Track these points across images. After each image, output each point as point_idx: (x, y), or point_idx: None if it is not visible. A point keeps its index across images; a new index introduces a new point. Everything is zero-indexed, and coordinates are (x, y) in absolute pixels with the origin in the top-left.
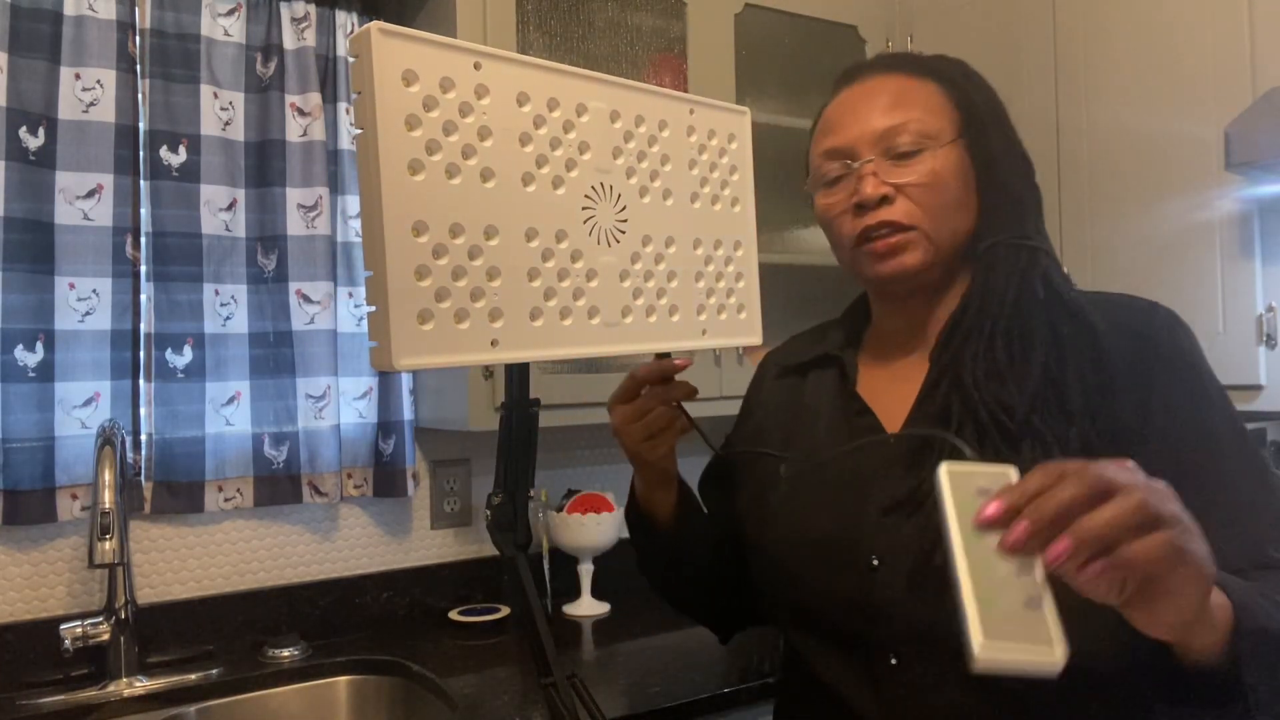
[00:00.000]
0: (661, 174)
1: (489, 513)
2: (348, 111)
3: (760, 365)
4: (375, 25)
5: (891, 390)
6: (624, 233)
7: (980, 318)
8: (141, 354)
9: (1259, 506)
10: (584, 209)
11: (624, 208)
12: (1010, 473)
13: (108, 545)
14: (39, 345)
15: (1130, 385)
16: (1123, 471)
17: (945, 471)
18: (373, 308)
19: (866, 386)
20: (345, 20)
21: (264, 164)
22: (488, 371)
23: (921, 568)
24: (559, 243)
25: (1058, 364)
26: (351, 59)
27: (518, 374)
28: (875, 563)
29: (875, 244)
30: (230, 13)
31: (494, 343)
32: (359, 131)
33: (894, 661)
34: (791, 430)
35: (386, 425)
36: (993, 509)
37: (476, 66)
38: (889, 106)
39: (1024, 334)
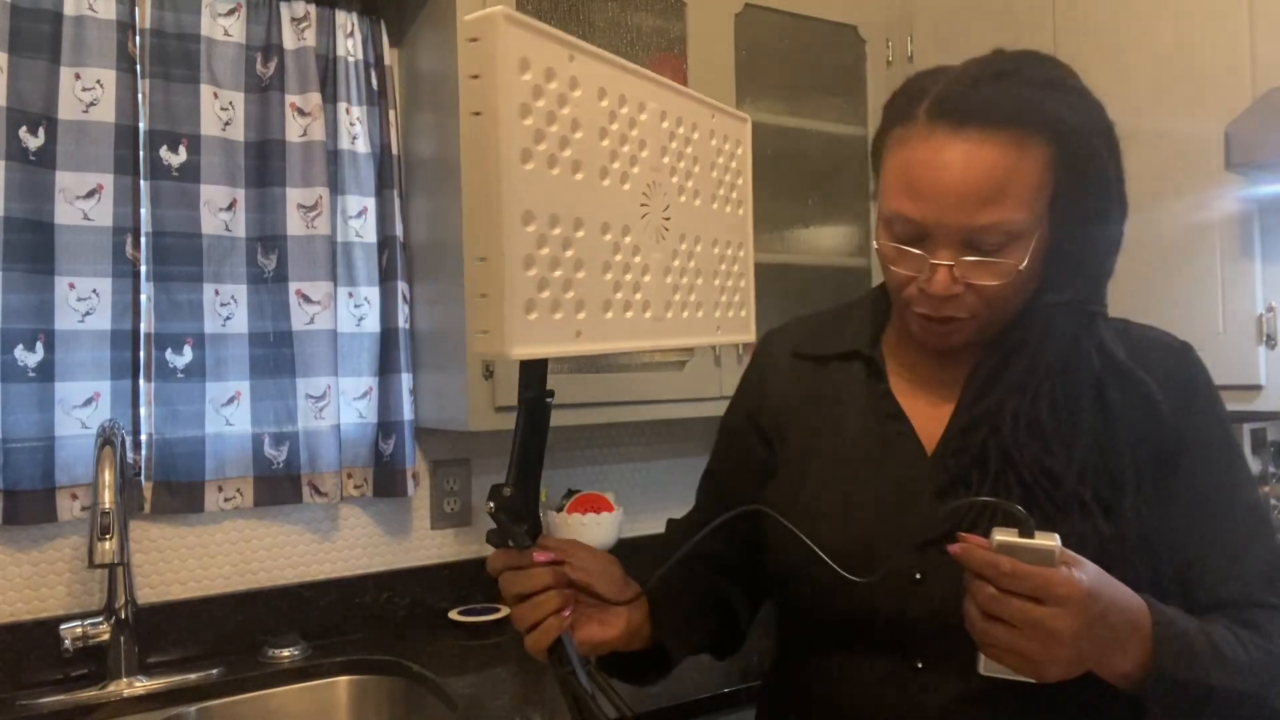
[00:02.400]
0: (693, 174)
1: (492, 505)
2: (347, 111)
3: (765, 341)
4: (500, 10)
5: (924, 398)
6: (669, 230)
7: (1027, 379)
8: (141, 354)
9: (1258, 550)
10: (641, 205)
11: (668, 205)
12: (1053, 551)
13: (108, 545)
14: (39, 345)
15: (1174, 439)
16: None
17: (996, 541)
18: (483, 294)
19: (897, 387)
20: (345, 20)
21: (264, 164)
22: (487, 371)
23: (961, 586)
24: (624, 237)
25: (1107, 432)
26: (470, 41)
27: (540, 365)
28: (919, 576)
29: (929, 327)
30: (230, 13)
31: (578, 334)
32: (475, 115)
33: (920, 665)
34: (815, 422)
35: (386, 425)
36: (955, 550)
37: (570, 58)
38: (985, 196)
39: (1070, 400)
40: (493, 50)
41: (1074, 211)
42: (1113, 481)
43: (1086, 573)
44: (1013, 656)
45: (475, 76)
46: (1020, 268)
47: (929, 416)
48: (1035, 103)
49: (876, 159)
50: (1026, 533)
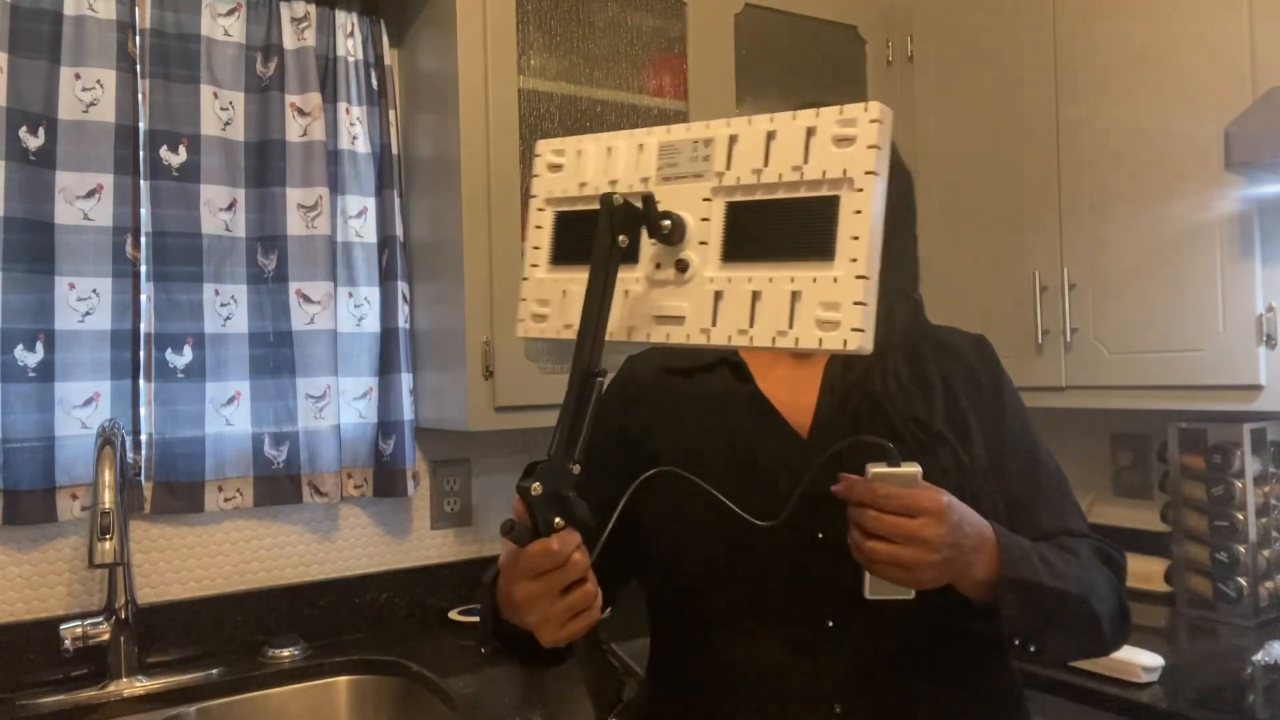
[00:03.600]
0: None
1: (538, 485)
2: (347, 111)
3: (627, 364)
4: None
5: (789, 393)
6: None
7: (883, 350)
8: (141, 354)
9: (1062, 489)
10: None
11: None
12: (916, 474)
13: (108, 545)
14: (39, 345)
15: (1000, 406)
16: (929, 527)
17: (871, 473)
18: (867, 304)
19: (762, 388)
20: (345, 20)
21: (264, 164)
22: (487, 371)
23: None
24: None
25: (949, 388)
26: (874, 123)
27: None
28: (820, 535)
29: None
30: (230, 13)
31: None
32: (873, 175)
33: (830, 625)
34: (690, 426)
35: (386, 425)
36: (838, 489)
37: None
38: None
39: (920, 364)
40: (888, 132)
41: (890, 224)
42: (962, 426)
43: (943, 491)
44: (894, 569)
45: (876, 147)
46: None
47: (796, 408)
48: None
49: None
50: (894, 463)
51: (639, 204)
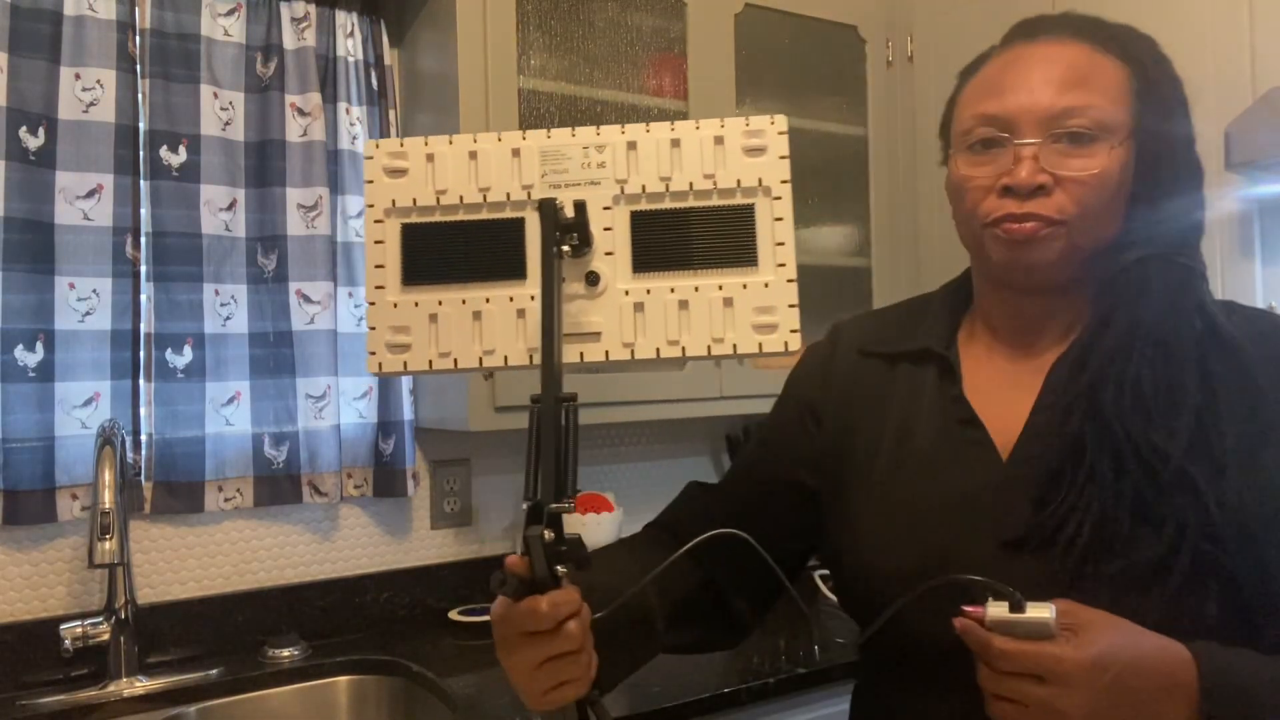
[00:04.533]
0: None
1: (549, 534)
2: (347, 111)
3: (832, 332)
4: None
5: (1000, 398)
6: None
7: (1127, 342)
8: (141, 354)
9: None
10: None
11: None
12: (1048, 622)
13: (108, 545)
14: (39, 345)
15: (1274, 420)
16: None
17: (989, 618)
18: (794, 305)
19: (971, 388)
20: (345, 20)
21: (264, 164)
22: (488, 372)
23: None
24: None
25: (1210, 404)
26: (781, 134)
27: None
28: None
29: (1013, 228)
30: (230, 13)
31: None
32: (788, 184)
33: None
34: (881, 426)
35: (386, 425)
36: (959, 625)
37: None
38: (1070, 82)
39: (1176, 370)
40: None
41: (1154, 147)
42: (1213, 460)
43: (1095, 640)
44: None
45: (785, 157)
46: (1107, 167)
47: (1008, 409)
48: (1108, 28)
49: (948, 113)
50: (1017, 607)
51: (570, 212)
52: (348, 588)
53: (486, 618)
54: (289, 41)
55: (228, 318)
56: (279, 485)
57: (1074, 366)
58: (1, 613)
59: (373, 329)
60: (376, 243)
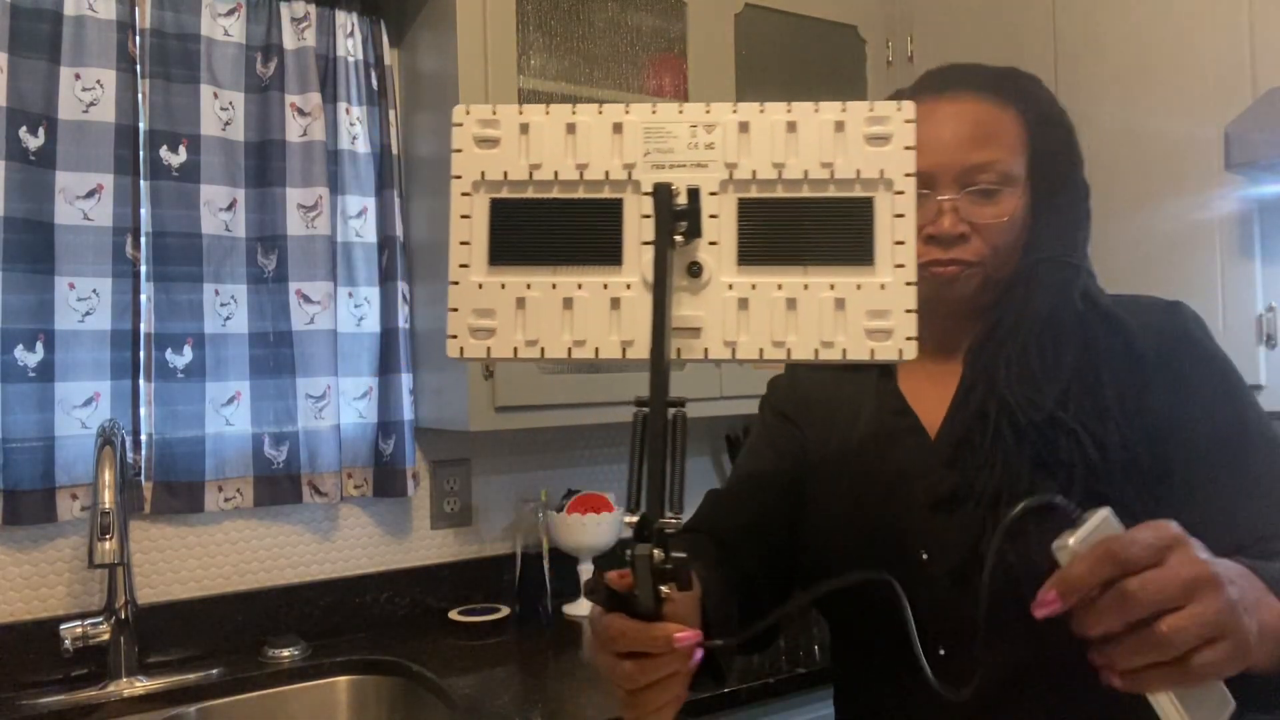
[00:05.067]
0: None
1: (661, 554)
2: (347, 111)
3: None
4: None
5: (929, 391)
6: None
7: (1016, 328)
8: (141, 354)
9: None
10: None
11: None
12: (1107, 521)
13: (108, 545)
14: (39, 345)
15: (1165, 382)
16: (1196, 564)
17: (1069, 551)
18: (917, 312)
19: (905, 385)
20: (345, 20)
21: (264, 164)
22: (487, 371)
23: (968, 562)
24: None
25: (1090, 365)
26: (908, 123)
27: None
28: (924, 556)
29: (938, 272)
30: (230, 13)
31: None
32: (912, 178)
33: (942, 652)
34: (829, 423)
35: (386, 425)
36: (1048, 609)
37: None
38: (977, 141)
39: (1057, 341)
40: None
41: (1047, 179)
42: (1097, 407)
43: (1193, 552)
44: (1203, 671)
45: (911, 148)
46: (1012, 211)
47: (936, 399)
48: (1004, 79)
49: None
50: (1075, 517)
51: (683, 198)
52: (348, 588)
53: (486, 618)
54: (289, 41)
55: (228, 318)
56: (279, 485)
57: (979, 353)
58: (1, 613)
59: (454, 310)
60: (463, 217)
